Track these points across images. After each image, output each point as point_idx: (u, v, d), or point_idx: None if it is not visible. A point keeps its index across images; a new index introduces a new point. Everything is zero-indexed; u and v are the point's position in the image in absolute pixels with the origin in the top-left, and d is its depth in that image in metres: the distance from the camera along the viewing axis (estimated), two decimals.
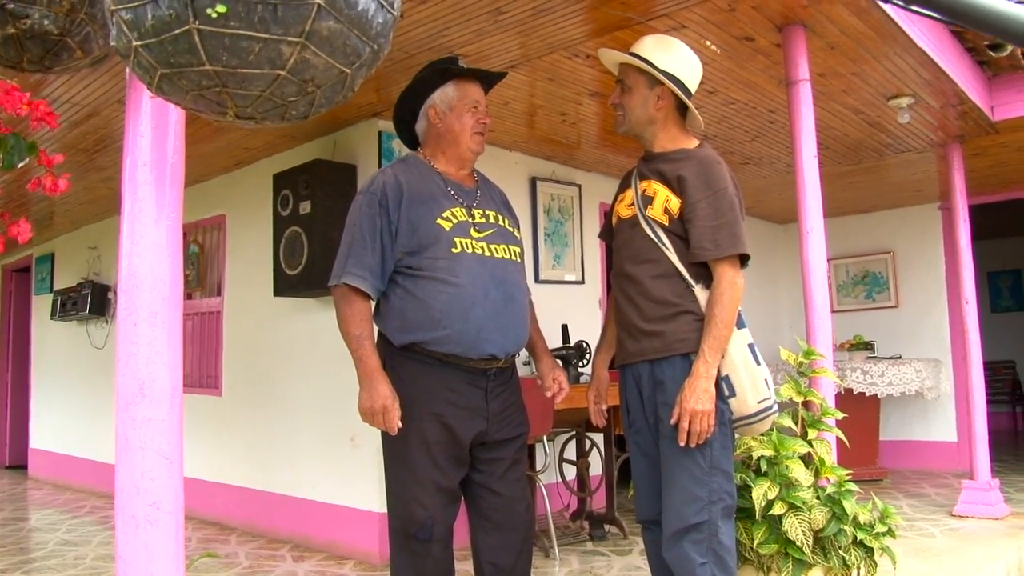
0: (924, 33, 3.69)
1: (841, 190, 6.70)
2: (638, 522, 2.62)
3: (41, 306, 8.20)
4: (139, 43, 0.94)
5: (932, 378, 6.37)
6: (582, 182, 5.85)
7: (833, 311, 7.76)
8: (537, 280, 5.44)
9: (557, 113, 4.63)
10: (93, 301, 6.93)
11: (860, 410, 6.30)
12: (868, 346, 6.73)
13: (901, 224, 7.50)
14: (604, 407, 2.77)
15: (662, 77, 2.48)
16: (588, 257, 5.86)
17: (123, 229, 1.33)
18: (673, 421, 2.32)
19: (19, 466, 8.80)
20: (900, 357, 6.71)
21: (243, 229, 5.49)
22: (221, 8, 0.89)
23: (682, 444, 2.31)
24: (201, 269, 5.93)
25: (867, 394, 6.15)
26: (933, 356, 6.94)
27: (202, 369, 5.91)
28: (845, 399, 6.09)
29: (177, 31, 0.91)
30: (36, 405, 8.41)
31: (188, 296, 6.13)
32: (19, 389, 8.96)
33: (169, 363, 1.30)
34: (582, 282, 5.80)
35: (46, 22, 1.19)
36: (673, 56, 2.52)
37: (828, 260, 7.66)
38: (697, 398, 2.28)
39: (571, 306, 5.55)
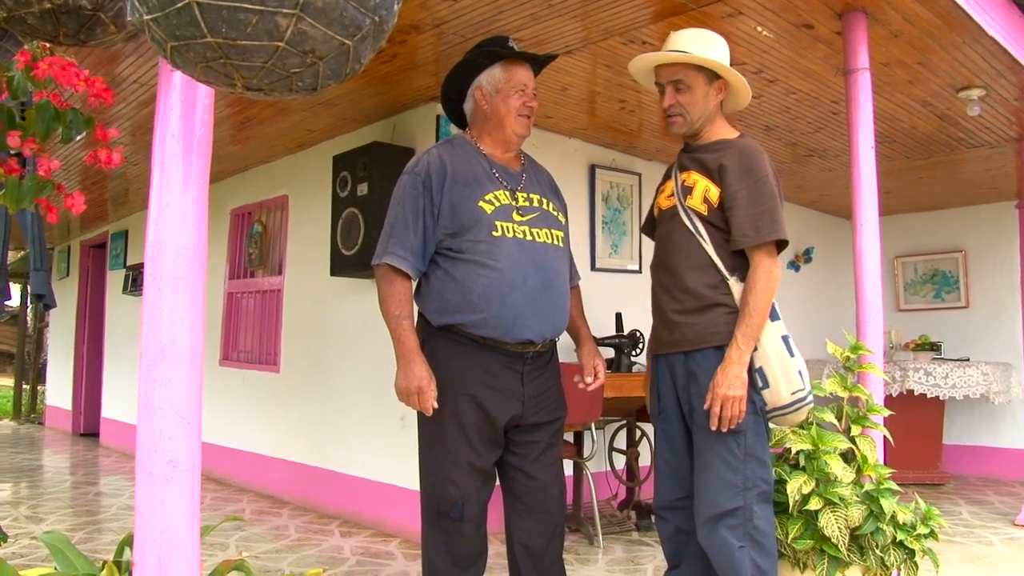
0: (996, 20, 3.55)
1: (910, 185, 6.50)
2: (654, 509, 2.63)
3: (115, 281, 8.52)
4: (148, 17, 0.99)
5: (1001, 382, 6.14)
6: (642, 171, 5.80)
7: (900, 310, 7.56)
8: (593, 268, 5.43)
9: (616, 100, 4.60)
10: None
11: (922, 412, 6.12)
12: (934, 347, 6.53)
13: (974, 222, 7.24)
14: None
15: (728, 68, 2.47)
16: (647, 246, 5.81)
17: (151, 198, 1.38)
18: (706, 407, 2.34)
19: (92, 434, 9.19)
20: (968, 359, 6.49)
21: (304, 209, 5.61)
22: None
23: (713, 428, 2.33)
24: (264, 248, 6.08)
25: (929, 396, 5.96)
26: (1004, 359, 6.69)
27: (262, 346, 6.07)
28: (906, 400, 5.93)
29: (179, 4, 0.95)
30: (108, 376, 8.75)
31: (251, 274, 6.29)
32: (94, 360, 9.34)
33: (190, 327, 1.35)
34: (639, 271, 5.76)
35: None
36: (719, 47, 2.51)
37: (896, 257, 7.55)
38: (729, 384, 2.30)
39: (626, 295, 5.52)
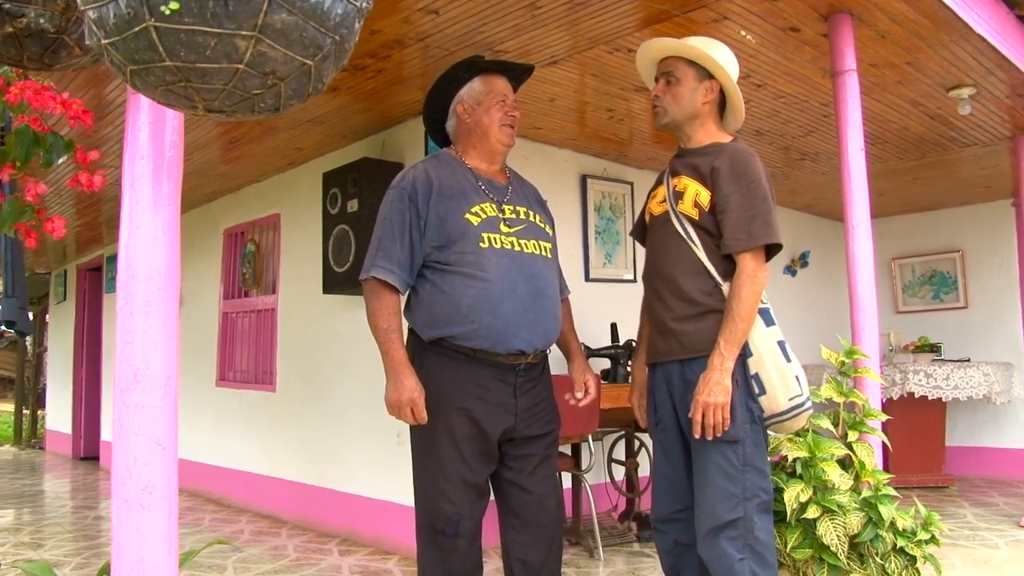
0: (983, 18, 3.54)
1: (905, 186, 6.48)
2: (652, 522, 2.60)
3: (111, 304, 8.49)
4: (106, 41, 0.97)
5: (1002, 382, 6.11)
6: (634, 179, 5.79)
7: (898, 312, 7.54)
8: (587, 279, 5.41)
9: (604, 109, 4.59)
10: None
11: (924, 414, 6.09)
12: (934, 348, 6.50)
13: (971, 221, 7.23)
14: None
15: (721, 67, 2.47)
16: (641, 255, 5.79)
17: (121, 221, 1.37)
18: (689, 415, 2.31)
19: (92, 457, 9.15)
20: (969, 360, 6.46)
21: (296, 227, 5.59)
22: (174, 5, 0.91)
23: (697, 436, 2.30)
24: (258, 267, 6.06)
25: (930, 398, 5.93)
26: (1005, 359, 6.66)
27: (258, 366, 6.04)
28: (907, 403, 5.91)
29: (136, 28, 0.93)
30: (107, 399, 8.71)
31: (245, 294, 6.28)
32: (92, 384, 9.31)
33: (163, 351, 1.33)
34: (634, 281, 5.74)
35: (42, 20, 1.23)
36: (721, 52, 2.53)
37: (893, 259, 7.54)
38: (710, 391, 2.27)
39: (621, 305, 5.49)
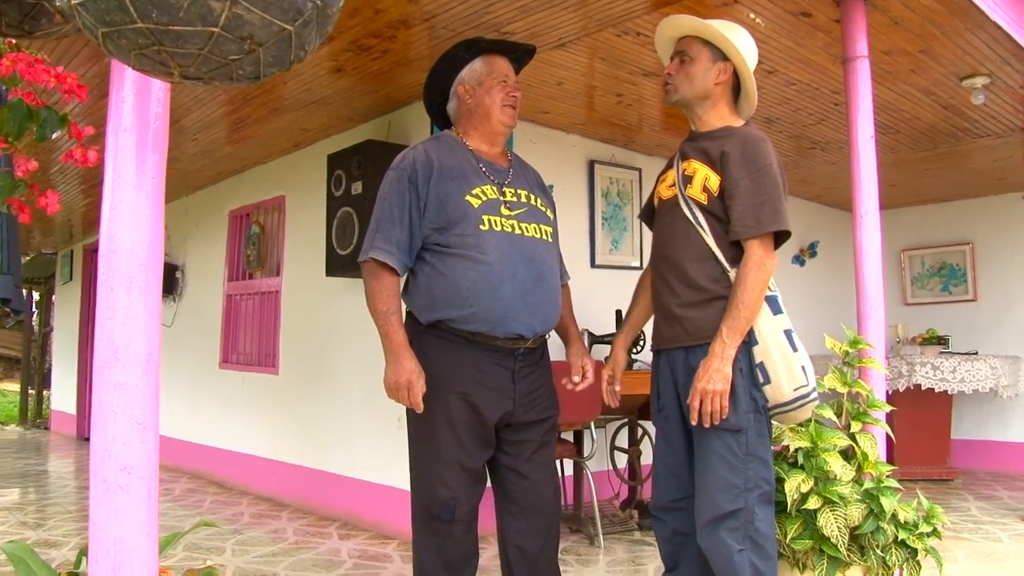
0: (999, 6, 3.47)
1: (916, 177, 6.41)
2: (651, 510, 2.56)
3: None
4: (76, 2, 0.93)
5: (1009, 376, 6.06)
6: (643, 166, 5.73)
7: (907, 304, 7.49)
8: (593, 265, 5.36)
9: (613, 94, 4.53)
10: (163, 279, 7.13)
11: (930, 407, 6.05)
12: (941, 340, 6.44)
13: (982, 214, 7.15)
14: (618, 388, 2.68)
15: (736, 49, 2.43)
16: (648, 242, 5.74)
17: (103, 194, 1.33)
18: (688, 401, 2.28)
19: None
20: (976, 353, 6.40)
21: (301, 210, 5.56)
22: None
23: (694, 423, 2.27)
24: (262, 249, 6.03)
25: (937, 390, 5.88)
26: (1012, 353, 6.60)
27: (261, 348, 6.02)
28: (914, 395, 5.87)
29: None
30: None
31: (249, 276, 6.25)
32: None
33: (145, 328, 1.29)
34: (640, 268, 5.69)
35: None
36: (739, 36, 2.49)
37: (903, 251, 7.47)
38: (709, 378, 2.23)
39: (627, 292, 5.37)
